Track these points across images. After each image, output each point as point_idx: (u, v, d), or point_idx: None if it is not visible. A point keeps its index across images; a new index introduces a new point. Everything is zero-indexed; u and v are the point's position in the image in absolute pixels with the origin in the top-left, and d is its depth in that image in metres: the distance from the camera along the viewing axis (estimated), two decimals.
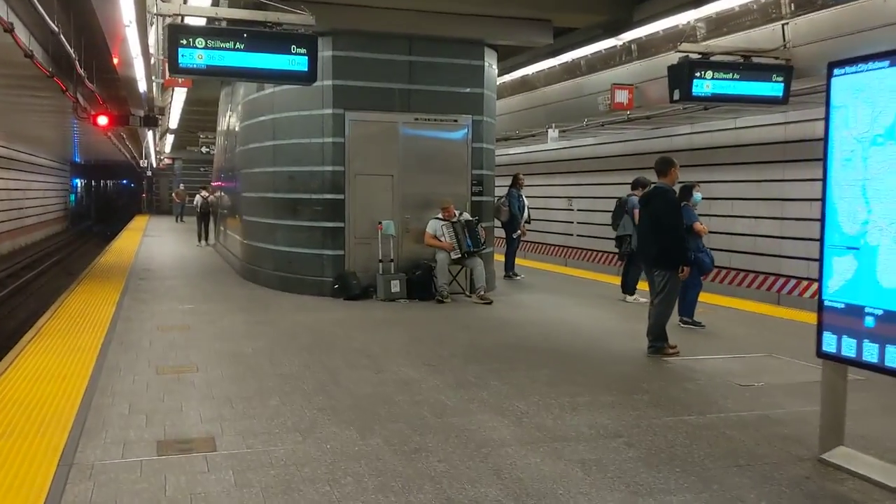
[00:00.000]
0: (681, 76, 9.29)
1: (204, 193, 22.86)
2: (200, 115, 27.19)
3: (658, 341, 7.79)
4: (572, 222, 24.14)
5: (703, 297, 12.89)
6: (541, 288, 13.33)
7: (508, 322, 9.72)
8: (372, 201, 11.90)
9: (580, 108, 14.83)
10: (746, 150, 17.69)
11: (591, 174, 23.04)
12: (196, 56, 7.74)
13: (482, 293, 11.41)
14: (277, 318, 9.81)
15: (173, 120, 25.94)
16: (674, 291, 7.75)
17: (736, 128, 18.00)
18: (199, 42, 7.71)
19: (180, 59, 7.71)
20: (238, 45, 7.84)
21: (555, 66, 15.13)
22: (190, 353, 7.70)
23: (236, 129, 15.29)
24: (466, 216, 11.83)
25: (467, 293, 12.02)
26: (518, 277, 14.47)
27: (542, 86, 16.00)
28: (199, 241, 22.50)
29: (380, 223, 11.70)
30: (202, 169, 44.23)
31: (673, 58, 12.09)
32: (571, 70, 14.79)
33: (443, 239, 11.51)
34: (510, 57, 14.36)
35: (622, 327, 9.44)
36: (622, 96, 12.67)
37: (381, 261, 11.75)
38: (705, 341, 8.62)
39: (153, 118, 15.47)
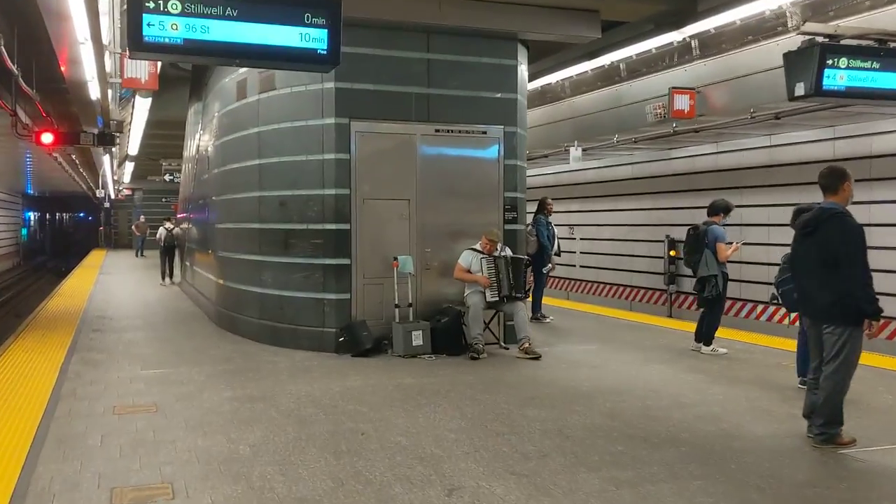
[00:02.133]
0: (807, 65, 7.10)
1: (168, 225, 20.31)
2: (163, 140, 24.70)
3: (831, 426, 5.52)
4: (574, 252, 22.10)
5: (741, 335, 10.76)
6: (580, 334, 11.07)
7: (580, 389, 7.40)
8: (384, 232, 9.59)
9: (619, 121, 12.67)
10: (784, 170, 15.69)
11: (596, 200, 21.10)
12: (169, 26, 5.33)
13: (527, 345, 9.10)
14: (274, 389, 7.39)
15: (133, 145, 23.38)
16: (854, 355, 5.47)
17: (771, 146, 16.02)
18: (174, 5, 5.33)
19: (146, 32, 5.28)
20: (230, 12, 5.46)
21: (586, 73, 12.95)
22: (161, 458, 5.26)
23: (209, 148, 12.89)
24: (509, 252, 9.54)
25: (502, 343, 9.72)
26: (547, 320, 12.22)
27: (569, 96, 13.82)
28: (163, 279, 19.93)
29: (395, 259, 9.38)
30: (164, 199, 41.72)
31: (754, 54, 10.05)
32: (608, 76, 12.63)
33: (479, 274, 9.24)
34: (535, 61, 12.16)
35: (737, 396, 7.18)
36: (683, 102, 10.54)
37: (397, 306, 9.40)
38: (866, 417, 6.37)
39: (109, 136, 12.95)
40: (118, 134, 13.05)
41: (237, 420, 6.22)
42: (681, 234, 19.31)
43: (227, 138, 11.36)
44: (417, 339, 9.10)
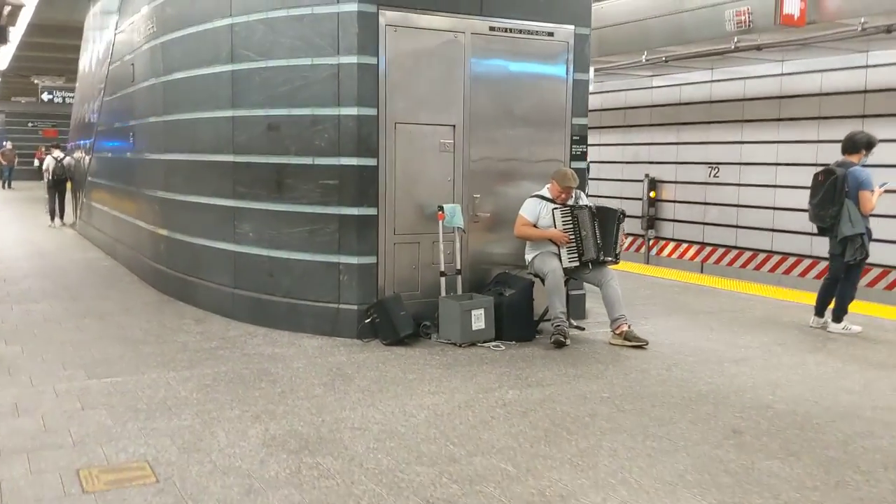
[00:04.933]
0: None
1: (58, 154, 16.62)
2: (43, 51, 20.74)
3: None
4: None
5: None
6: (643, 302, 8.70)
7: (775, 408, 5.07)
8: (422, 171, 6.91)
9: (677, 31, 10.21)
10: (797, 102, 13.78)
11: None
12: None
13: (625, 327, 6.66)
14: (322, 416, 4.74)
15: (4, 57, 19.36)
16: None
17: (782, 74, 14.04)
18: None
19: None
20: None
21: None
22: None
23: (136, 53, 9.69)
24: (585, 199, 7.04)
25: (572, 322, 7.25)
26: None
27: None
28: (53, 219, 16.38)
29: (440, 209, 6.73)
30: (31, 124, 37.03)
31: None
32: None
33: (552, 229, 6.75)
34: None
35: None
36: (793, 5, 8.16)
37: (443, 274, 6.78)
38: None
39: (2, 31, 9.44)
40: (12, 28, 9.58)
41: None
42: (661, 172, 17.42)
43: (171, 36, 8.29)
44: (478, 320, 6.52)
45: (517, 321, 6.70)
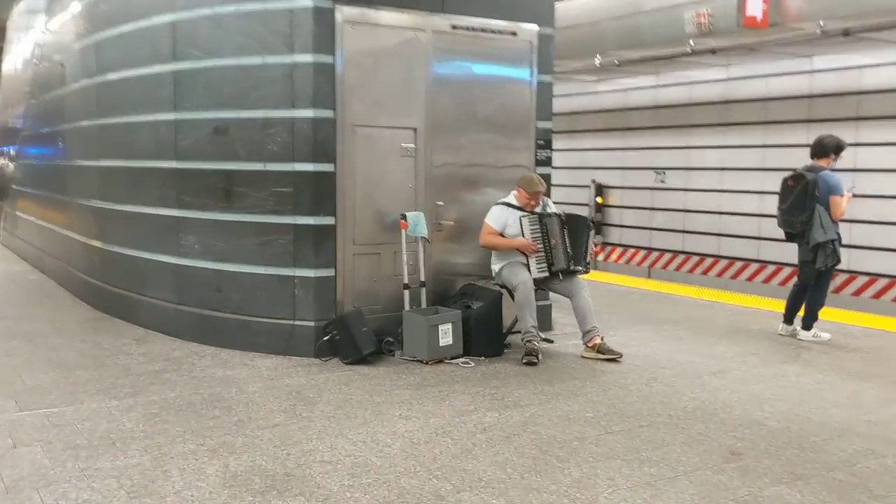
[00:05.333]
0: None
1: None
2: None
3: None
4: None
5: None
6: (606, 311, 8.40)
7: (769, 425, 4.80)
8: (382, 176, 6.51)
9: (633, 34, 9.97)
10: (743, 106, 13.80)
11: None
12: None
13: (598, 340, 6.35)
14: (286, 447, 4.29)
15: None
16: None
17: (728, 79, 14.05)
18: None
19: None
20: None
21: None
22: None
23: (65, 53, 9.06)
24: (552, 207, 6.72)
25: (541, 335, 6.88)
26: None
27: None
28: None
29: (403, 217, 6.33)
30: None
31: None
32: None
33: (520, 238, 6.41)
34: None
35: None
36: (755, 7, 7.98)
37: (407, 287, 6.37)
38: None
39: None
40: None
41: None
42: (608, 177, 17.27)
43: (106, 34, 7.72)
44: (446, 335, 6.13)
45: (486, 335, 6.33)
